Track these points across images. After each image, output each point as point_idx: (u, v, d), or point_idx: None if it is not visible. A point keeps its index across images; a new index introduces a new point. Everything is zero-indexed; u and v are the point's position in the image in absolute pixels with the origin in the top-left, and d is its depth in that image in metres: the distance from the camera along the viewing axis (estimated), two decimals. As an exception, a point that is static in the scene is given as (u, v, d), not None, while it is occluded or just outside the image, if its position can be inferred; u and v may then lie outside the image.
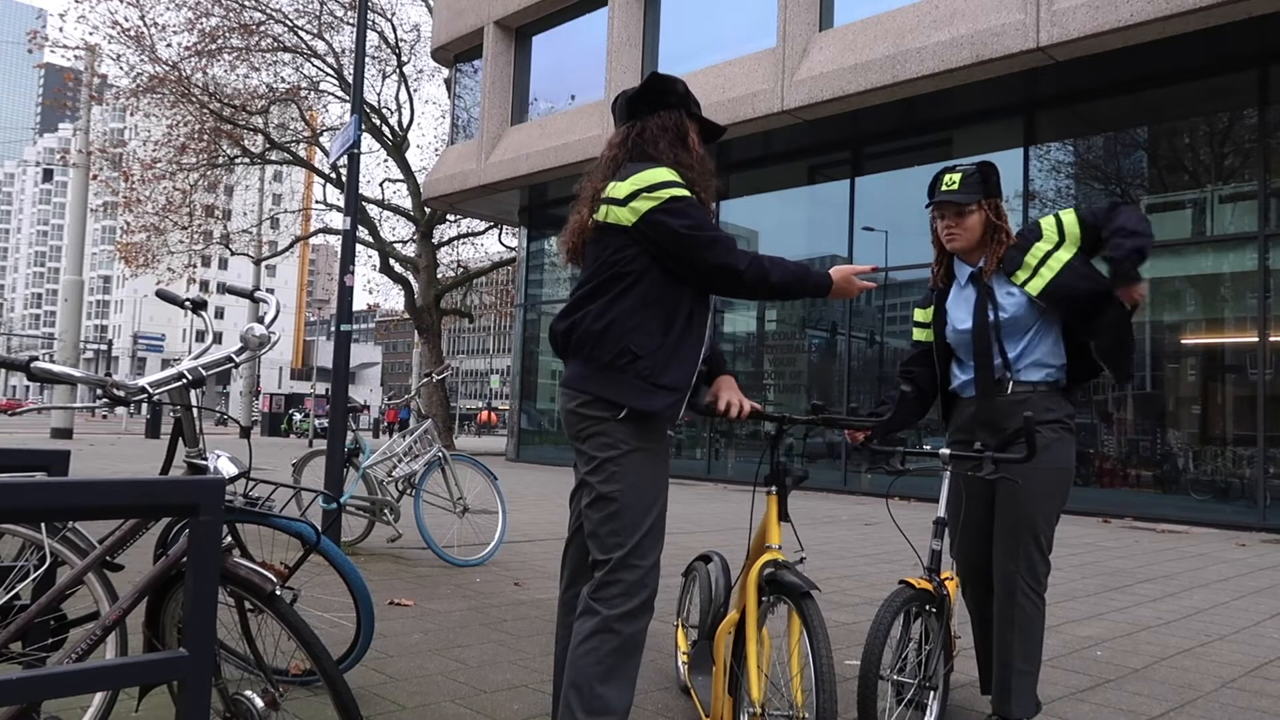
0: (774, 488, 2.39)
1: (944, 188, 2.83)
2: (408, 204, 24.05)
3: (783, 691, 2.51)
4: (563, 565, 2.53)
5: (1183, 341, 10.39)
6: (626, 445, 2.25)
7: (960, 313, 2.92)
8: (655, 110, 2.45)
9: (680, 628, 3.24)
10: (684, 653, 3.12)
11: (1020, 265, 2.80)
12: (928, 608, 2.55)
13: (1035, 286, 2.77)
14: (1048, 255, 2.78)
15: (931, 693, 2.60)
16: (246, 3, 21.47)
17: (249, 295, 2.84)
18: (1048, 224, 2.82)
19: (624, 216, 2.29)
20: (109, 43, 21.56)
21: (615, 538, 2.23)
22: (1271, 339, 9.52)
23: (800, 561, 2.36)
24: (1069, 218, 2.80)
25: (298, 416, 36.39)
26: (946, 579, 2.67)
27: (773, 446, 2.44)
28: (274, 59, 22.69)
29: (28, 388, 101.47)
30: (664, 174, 2.30)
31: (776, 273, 2.30)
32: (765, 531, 2.40)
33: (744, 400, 2.45)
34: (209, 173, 22.84)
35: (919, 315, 3.08)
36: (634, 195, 2.28)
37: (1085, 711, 3.12)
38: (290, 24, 22.03)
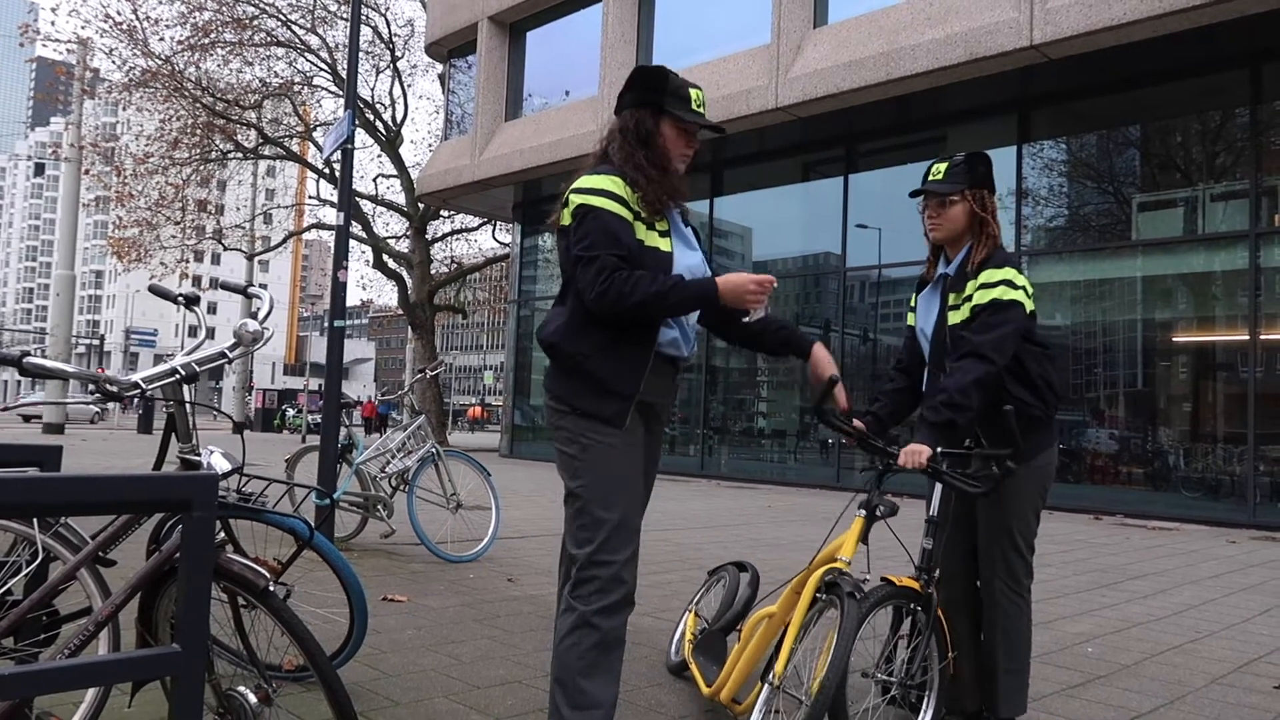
0: (866, 513, 2.53)
1: (930, 177, 2.80)
2: (401, 200, 23.99)
3: (803, 679, 2.54)
4: (560, 561, 2.54)
5: (1174, 339, 10.42)
6: (586, 439, 2.28)
7: (925, 314, 2.85)
8: (624, 109, 2.44)
9: (692, 614, 3.35)
10: (692, 634, 3.23)
11: (968, 283, 2.69)
12: (914, 606, 2.53)
13: (957, 316, 2.69)
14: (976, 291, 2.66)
15: (926, 693, 2.58)
16: (240, -3, 21.41)
17: (242, 291, 2.84)
18: (1007, 275, 2.63)
19: (566, 218, 2.35)
20: (101, 36, 21.35)
21: (584, 533, 2.26)
22: (1262, 337, 9.57)
23: (865, 582, 2.42)
24: (1004, 291, 2.60)
25: (291, 412, 36.35)
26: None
27: (879, 477, 2.60)
28: (267, 54, 22.61)
29: (19, 383, 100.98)
30: (595, 181, 2.31)
31: (639, 293, 2.19)
32: (842, 544, 2.51)
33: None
34: (202, 167, 22.74)
35: (913, 300, 3.01)
36: (569, 199, 2.34)
37: (1076, 708, 3.13)
38: (283, 18, 21.95)
